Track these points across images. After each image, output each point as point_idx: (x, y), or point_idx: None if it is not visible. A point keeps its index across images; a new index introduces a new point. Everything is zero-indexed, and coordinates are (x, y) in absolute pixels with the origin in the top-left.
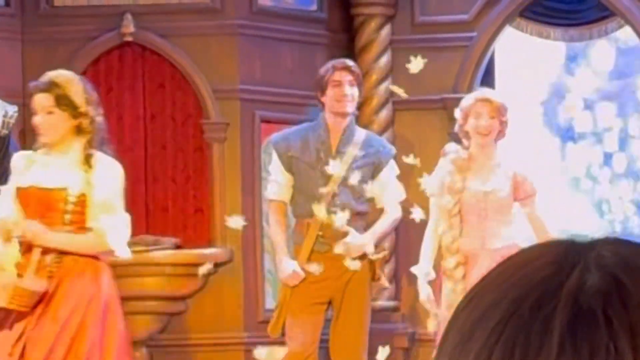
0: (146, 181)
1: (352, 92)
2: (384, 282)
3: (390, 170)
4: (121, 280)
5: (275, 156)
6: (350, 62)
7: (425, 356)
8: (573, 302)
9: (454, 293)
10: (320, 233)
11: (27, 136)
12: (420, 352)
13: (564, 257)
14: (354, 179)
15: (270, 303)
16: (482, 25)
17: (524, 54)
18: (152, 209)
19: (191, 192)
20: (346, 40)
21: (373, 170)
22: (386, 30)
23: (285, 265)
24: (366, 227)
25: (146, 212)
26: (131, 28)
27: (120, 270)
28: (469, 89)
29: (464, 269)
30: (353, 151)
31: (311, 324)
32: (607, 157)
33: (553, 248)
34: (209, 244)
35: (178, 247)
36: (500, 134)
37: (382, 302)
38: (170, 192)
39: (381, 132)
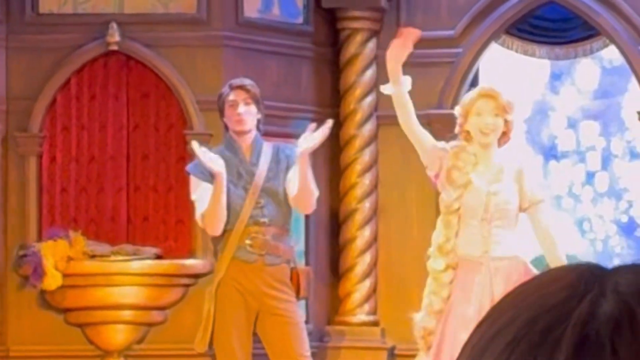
0: (128, 190)
1: (248, 110)
2: (306, 295)
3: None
4: (100, 290)
5: (193, 179)
6: (246, 81)
7: None
8: (581, 328)
9: (436, 297)
10: (249, 242)
11: (9, 142)
12: None
13: (580, 282)
14: (275, 188)
15: None
16: (468, 41)
17: (508, 71)
18: (134, 218)
19: (173, 202)
20: (331, 53)
21: (286, 172)
22: (371, 45)
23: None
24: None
25: (127, 222)
26: (116, 37)
27: (99, 279)
28: (454, 105)
29: (453, 273)
30: (265, 162)
31: (240, 337)
32: (590, 176)
33: (572, 272)
34: (190, 254)
35: (158, 257)
36: (505, 136)
37: (361, 317)
38: (151, 202)
39: (364, 147)
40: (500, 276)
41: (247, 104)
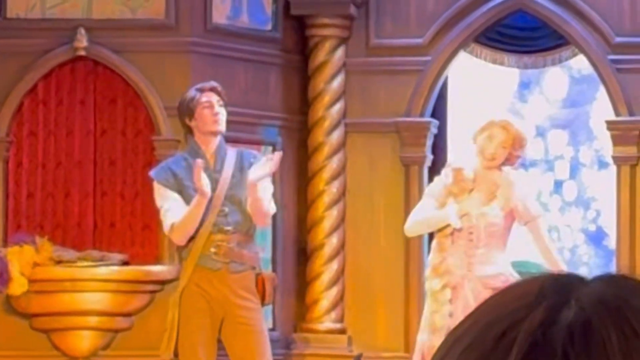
0: (95, 196)
1: (222, 111)
2: (270, 301)
3: (266, 180)
4: (66, 295)
5: (159, 187)
6: (216, 84)
7: None
8: (533, 335)
9: (438, 315)
10: (213, 250)
11: None
12: None
13: (543, 291)
14: (239, 196)
15: None
16: (437, 49)
17: (477, 80)
18: (100, 224)
19: (140, 208)
20: (300, 61)
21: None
22: (340, 52)
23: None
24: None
25: (94, 227)
26: (84, 42)
27: (65, 285)
28: (422, 113)
29: (452, 292)
30: (229, 168)
31: (204, 344)
32: (558, 185)
33: (536, 282)
34: (156, 261)
35: (125, 263)
36: (508, 162)
37: (328, 325)
38: (118, 207)
39: (332, 154)
40: (485, 294)
41: (220, 105)
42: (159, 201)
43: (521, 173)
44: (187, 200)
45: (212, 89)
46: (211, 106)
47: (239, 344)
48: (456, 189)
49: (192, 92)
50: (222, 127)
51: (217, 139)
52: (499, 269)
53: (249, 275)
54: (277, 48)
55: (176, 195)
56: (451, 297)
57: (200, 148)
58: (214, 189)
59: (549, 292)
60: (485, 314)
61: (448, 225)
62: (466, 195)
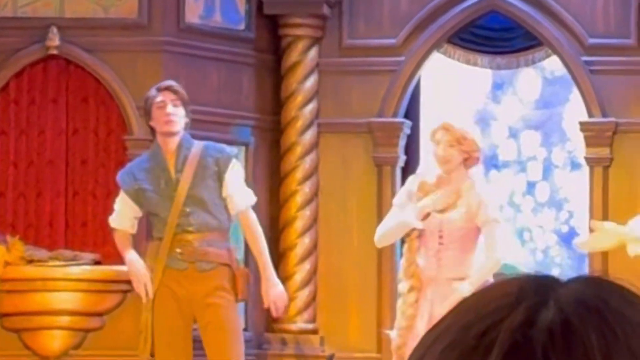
0: (66, 195)
1: (176, 112)
2: (245, 297)
3: (233, 173)
4: (38, 295)
5: (122, 191)
6: (173, 83)
7: None
8: (513, 334)
9: (404, 316)
10: (179, 251)
11: None
12: None
13: (522, 291)
14: (200, 195)
15: None
16: (410, 50)
17: (450, 80)
18: (72, 223)
19: (112, 208)
20: (273, 60)
21: (217, 179)
22: (313, 52)
23: (130, 258)
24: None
25: (65, 227)
26: (56, 41)
27: (37, 284)
28: (395, 114)
29: (417, 294)
30: (191, 168)
31: (178, 345)
32: (530, 186)
33: (515, 282)
34: None
35: (97, 262)
36: (469, 161)
37: (300, 325)
38: (90, 207)
39: (305, 154)
40: (452, 296)
41: (175, 105)
42: (117, 198)
43: (483, 179)
44: (145, 203)
45: (168, 88)
46: (163, 106)
47: (210, 341)
48: (420, 194)
49: (150, 92)
50: (174, 127)
51: (176, 138)
52: (467, 271)
53: (219, 273)
54: (250, 48)
55: (129, 201)
56: (417, 298)
57: (161, 148)
58: (174, 189)
59: (529, 292)
60: (465, 313)
61: (415, 228)
62: (429, 196)
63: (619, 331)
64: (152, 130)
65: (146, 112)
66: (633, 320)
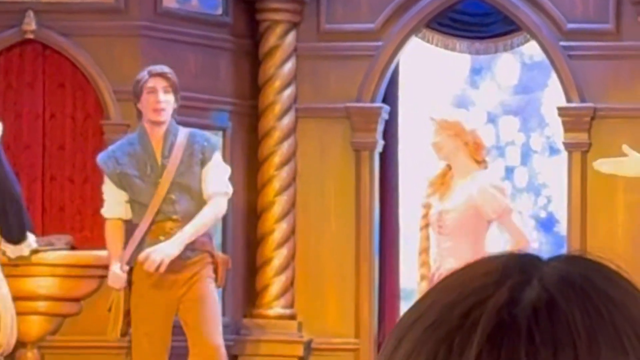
0: (43, 180)
1: (167, 99)
2: (223, 283)
3: (214, 163)
4: (14, 280)
5: (105, 176)
6: (166, 69)
7: None
8: (498, 313)
9: None
10: (162, 238)
11: None
12: None
13: (506, 269)
14: (187, 182)
15: None
16: (388, 35)
17: (429, 65)
18: (49, 208)
19: (89, 192)
20: (251, 45)
21: (201, 166)
22: (291, 37)
23: (113, 270)
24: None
25: (42, 211)
26: (33, 26)
27: (13, 270)
28: (373, 99)
29: (428, 283)
30: (178, 154)
31: (157, 331)
32: (509, 171)
33: (497, 260)
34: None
35: (72, 247)
36: (476, 148)
37: (278, 310)
38: (67, 192)
39: (283, 139)
40: None
41: (166, 92)
42: (103, 185)
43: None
44: (128, 187)
45: (161, 75)
46: (154, 92)
47: (189, 317)
48: (430, 189)
49: (142, 74)
50: (163, 117)
51: (164, 126)
52: (461, 263)
53: (201, 260)
54: (227, 32)
55: (112, 186)
56: (427, 287)
57: (147, 134)
58: (159, 175)
59: (513, 270)
60: (447, 292)
61: (424, 217)
62: (440, 188)
63: (603, 310)
64: (139, 113)
65: (135, 94)
66: (616, 299)
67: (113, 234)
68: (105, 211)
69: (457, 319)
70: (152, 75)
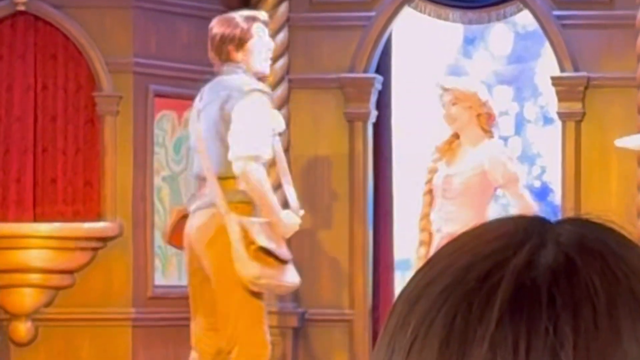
0: (35, 152)
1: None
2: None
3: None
4: (7, 253)
5: (262, 105)
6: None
7: (315, 336)
8: (518, 277)
9: (413, 270)
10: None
11: None
12: (310, 332)
13: (520, 232)
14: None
15: (159, 279)
16: (381, 4)
17: (422, 35)
18: (41, 180)
19: (81, 164)
20: None
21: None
22: (283, 8)
23: (288, 220)
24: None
25: (34, 183)
26: None
27: (5, 242)
28: (366, 69)
29: (427, 248)
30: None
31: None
32: (503, 141)
33: (511, 222)
34: (98, 217)
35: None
36: (482, 118)
37: None
38: (59, 164)
39: (276, 110)
40: None
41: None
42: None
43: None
44: None
45: (266, 23)
46: (271, 47)
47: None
48: (437, 154)
49: (257, 21)
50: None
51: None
52: (463, 227)
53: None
54: (219, 3)
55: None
56: (426, 252)
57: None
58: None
59: (529, 233)
60: (461, 255)
61: (428, 183)
62: (446, 155)
63: (619, 274)
64: (228, 58)
65: (240, 41)
66: (631, 263)
67: (267, 179)
68: (265, 152)
69: (475, 282)
70: (267, 24)
